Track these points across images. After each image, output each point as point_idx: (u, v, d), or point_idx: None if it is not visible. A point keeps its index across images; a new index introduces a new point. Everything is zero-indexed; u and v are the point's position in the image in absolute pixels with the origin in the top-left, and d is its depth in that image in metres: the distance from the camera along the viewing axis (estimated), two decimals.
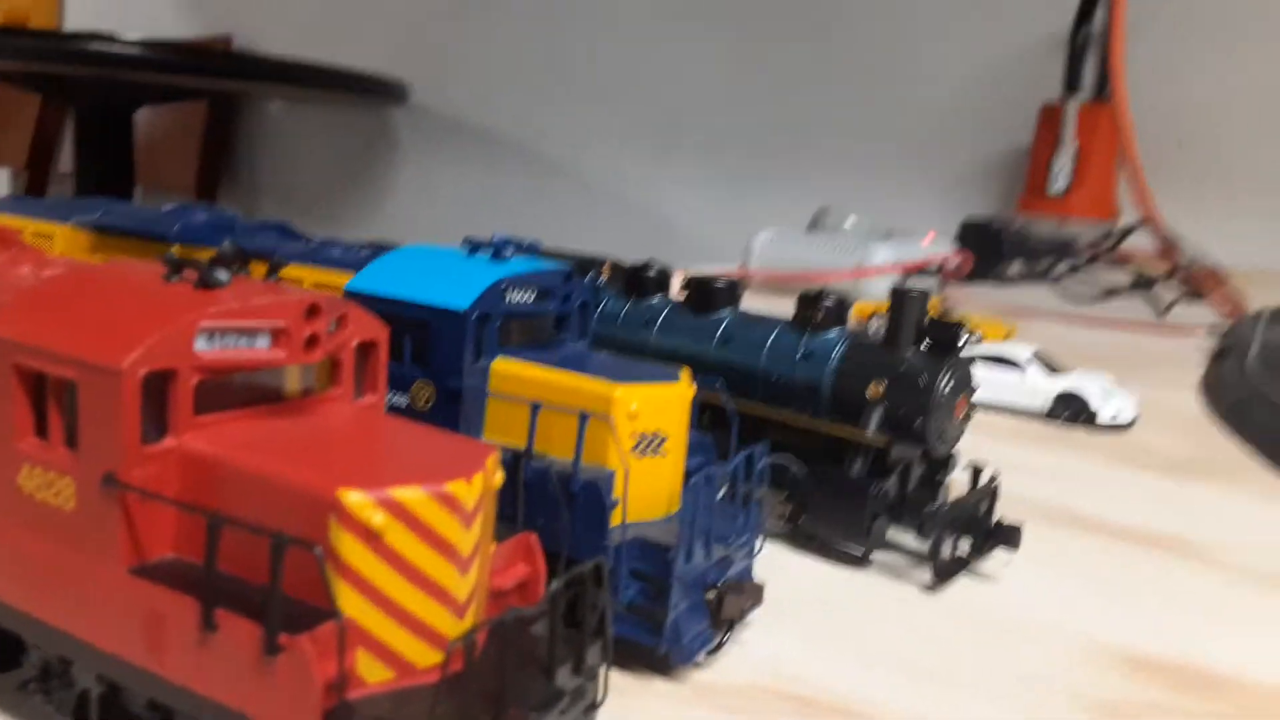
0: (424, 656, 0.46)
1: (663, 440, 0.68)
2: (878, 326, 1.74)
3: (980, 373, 0.94)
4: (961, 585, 0.83)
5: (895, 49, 3.55)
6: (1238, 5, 3.06)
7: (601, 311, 0.97)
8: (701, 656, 0.66)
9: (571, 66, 4.05)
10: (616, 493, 0.64)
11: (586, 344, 0.80)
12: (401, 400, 0.72)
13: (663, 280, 1.00)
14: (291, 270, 0.79)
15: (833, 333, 0.89)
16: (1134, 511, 1.03)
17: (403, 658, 0.46)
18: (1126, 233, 2.57)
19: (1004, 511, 0.87)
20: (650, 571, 0.64)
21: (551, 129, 4.14)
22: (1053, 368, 1.40)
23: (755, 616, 0.71)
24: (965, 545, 0.84)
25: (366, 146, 4.57)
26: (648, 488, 0.67)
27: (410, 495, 0.45)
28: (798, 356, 0.89)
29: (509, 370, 0.70)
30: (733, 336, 0.92)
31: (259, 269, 0.58)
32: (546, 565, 0.55)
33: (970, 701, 0.66)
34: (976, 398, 0.90)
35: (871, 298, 2.04)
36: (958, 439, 0.89)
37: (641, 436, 0.67)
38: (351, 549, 0.44)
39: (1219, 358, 1.75)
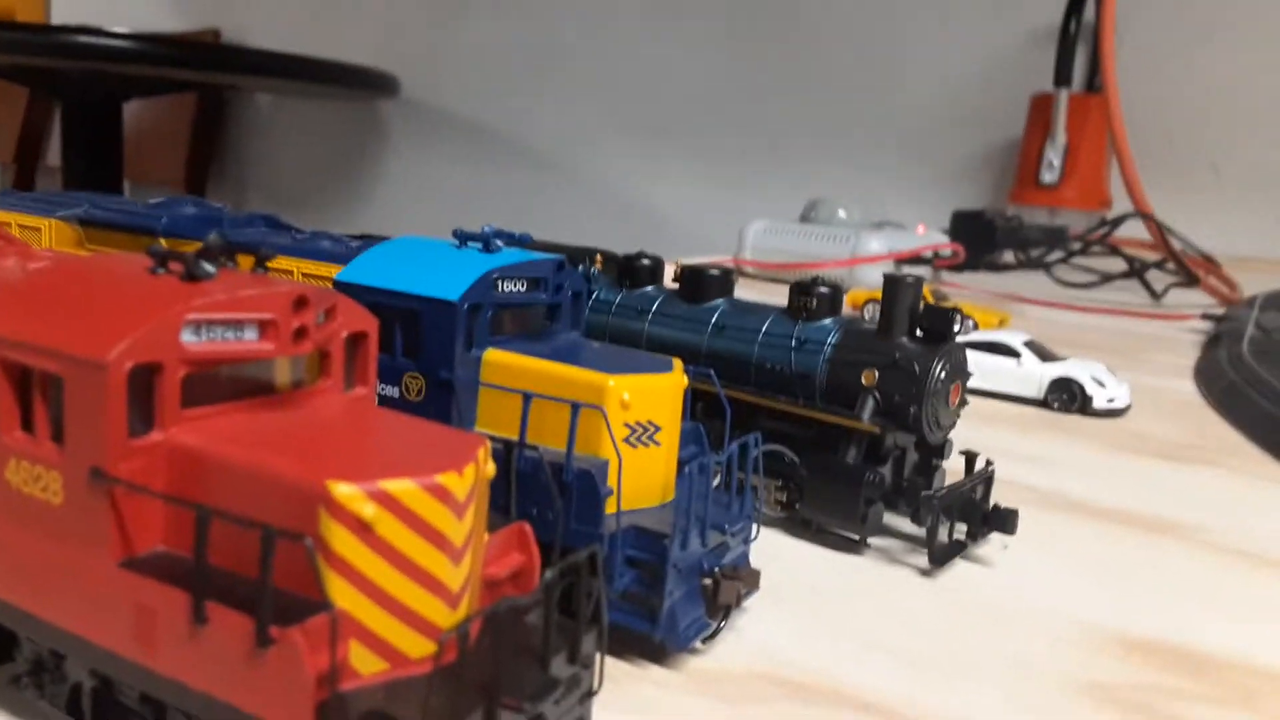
0: (417, 647, 0.46)
1: (656, 430, 0.68)
2: (871, 314, 1.74)
3: (975, 360, 0.94)
4: (957, 569, 0.83)
5: (886, 42, 3.55)
6: (1224, 1, 3.07)
7: (595, 301, 0.97)
8: (697, 643, 0.66)
9: (562, 60, 4.04)
10: (610, 482, 0.64)
11: (579, 334, 0.79)
12: (393, 392, 0.71)
13: (656, 270, 1.00)
14: (281, 262, 0.78)
15: (827, 321, 0.89)
16: (1128, 496, 1.04)
17: (396, 649, 0.45)
18: (1118, 221, 2.58)
19: (999, 497, 0.87)
20: (645, 559, 0.63)
21: (542, 122, 4.13)
22: (1047, 355, 1.40)
23: (751, 603, 0.71)
24: (961, 530, 0.84)
25: (356, 140, 4.55)
26: (641, 477, 0.67)
27: (401, 487, 0.45)
28: (792, 345, 0.88)
29: (501, 361, 0.70)
30: (726, 325, 0.92)
31: (246, 261, 0.57)
32: (540, 555, 0.54)
33: (965, 684, 0.66)
34: (971, 385, 0.90)
35: (864, 287, 2.04)
36: (952, 426, 0.89)
37: (634, 426, 0.67)
38: (343, 541, 0.44)
39: (1212, 343, 1.75)
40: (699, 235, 3.22)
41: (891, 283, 0.87)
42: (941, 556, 0.82)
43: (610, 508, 0.64)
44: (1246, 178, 3.10)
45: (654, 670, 0.64)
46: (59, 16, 4.54)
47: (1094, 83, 2.98)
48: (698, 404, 0.84)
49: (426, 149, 4.34)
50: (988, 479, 0.87)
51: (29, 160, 4.62)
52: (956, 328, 0.86)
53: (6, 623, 0.52)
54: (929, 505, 0.81)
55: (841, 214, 2.41)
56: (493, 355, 0.70)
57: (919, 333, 0.86)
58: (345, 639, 0.44)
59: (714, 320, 0.93)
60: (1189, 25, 3.11)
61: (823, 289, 0.89)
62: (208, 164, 4.75)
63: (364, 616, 0.45)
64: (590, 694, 0.52)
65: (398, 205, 4.40)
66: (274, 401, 0.53)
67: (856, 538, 0.85)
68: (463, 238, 0.75)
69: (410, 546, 0.45)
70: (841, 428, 0.85)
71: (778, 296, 0.95)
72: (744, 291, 0.97)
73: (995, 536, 0.87)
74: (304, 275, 0.76)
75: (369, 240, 0.81)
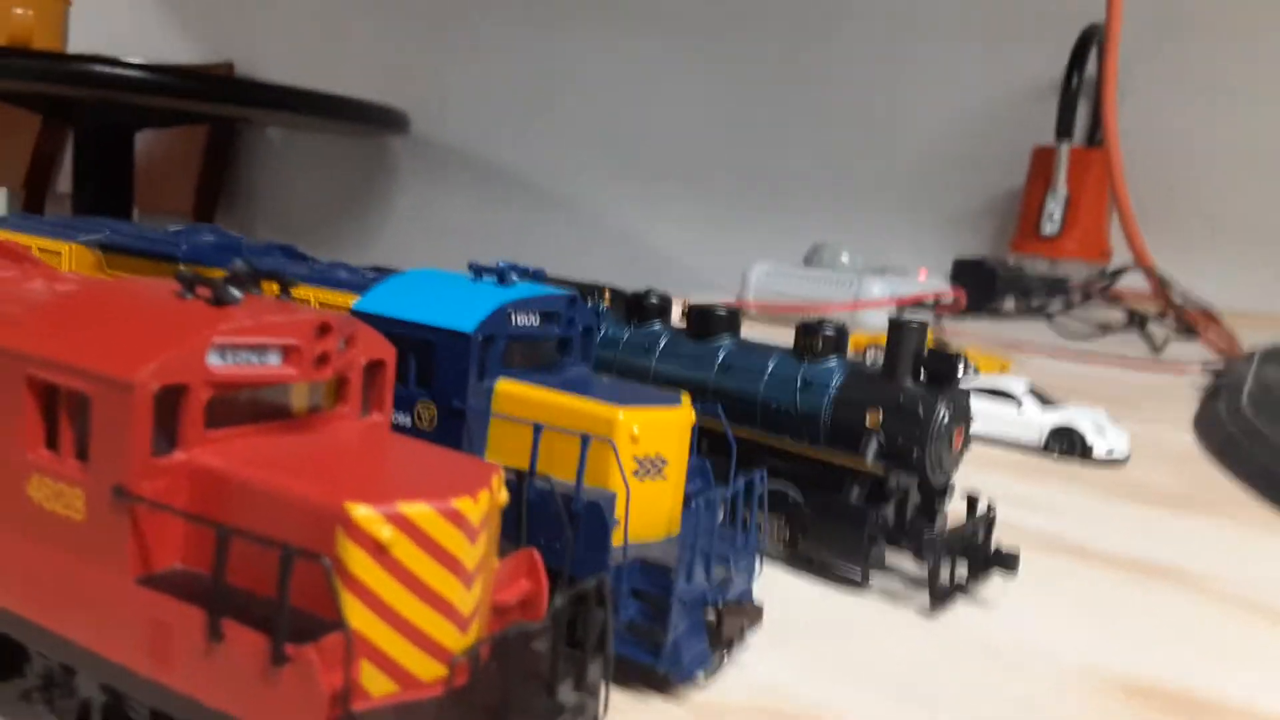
0: (428, 670, 0.46)
1: (663, 463, 0.69)
2: (874, 358, 1.75)
3: (976, 405, 0.95)
4: (959, 610, 0.83)
5: (890, 90, 3.60)
6: (1226, 56, 3.12)
7: (603, 337, 0.98)
8: (700, 676, 0.66)
9: (570, 99, 4.09)
10: (618, 514, 0.64)
11: (589, 368, 0.80)
12: (405, 420, 0.72)
13: (664, 307, 1.01)
14: (299, 290, 0.80)
15: (832, 362, 0.90)
16: (1129, 543, 1.04)
17: (407, 670, 0.46)
18: (1119, 273, 2.60)
19: (1000, 541, 0.88)
20: (651, 591, 0.64)
21: (549, 161, 4.18)
22: (1048, 402, 1.41)
23: (754, 637, 0.71)
24: (963, 571, 0.85)
25: (365, 175, 4.60)
26: (648, 510, 0.68)
27: (417, 510, 0.46)
28: (797, 384, 0.89)
29: (512, 391, 0.71)
30: (733, 364, 0.93)
31: (270, 288, 0.58)
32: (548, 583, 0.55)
33: None
34: (972, 430, 0.91)
35: (866, 330, 2.05)
36: (955, 469, 0.90)
37: (643, 459, 0.68)
38: (359, 562, 0.45)
39: (1212, 395, 1.76)
40: (702, 276, 3.24)
41: (897, 327, 0.88)
42: (943, 596, 0.83)
43: (617, 539, 0.64)
44: (1247, 233, 3.12)
45: (657, 701, 0.64)
46: (76, 45, 4.60)
47: (1095, 136, 3.02)
48: (703, 441, 0.85)
49: (435, 185, 4.38)
50: (989, 521, 0.88)
51: (39, 186, 4.66)
52: (960, 372, 0.87)
53: (19, 637, 0.53)
54: (931, 546, 0.82)
55: (845, 258, 2.44)
56: (504, 386, 0.71)
57: (923, 376, 0.87)
58: (358, 659, 0.44)
59: (720, 359, 0.94)
60: (1191, 81, 3.16)
61: (828, 330, 0.91)
62: (217, 195, 4.79)
63: (376, 637, 0.45)
64: None
65: (406, 239, 4.43)
66: (293, 425, 0.54)
67: (859, 577, 0.85)
68: (478, 270, 0.77)
69: (424, 569, 0.46)
70: (845, 467, 0.86)
71: (781, 338, 0.96)
72: (747, 333, 0.98)
73: (995, 579, 0.87)
74: (321, 303, 0.78)
75: (383, 272, 0.83)
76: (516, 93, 4.24)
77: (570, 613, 0.50)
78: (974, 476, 0.98)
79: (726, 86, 3.88)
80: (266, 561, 0.44)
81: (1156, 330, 2.42)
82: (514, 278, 0.76)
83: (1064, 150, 3.03)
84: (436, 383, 0.71)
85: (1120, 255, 2.82)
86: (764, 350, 0.94)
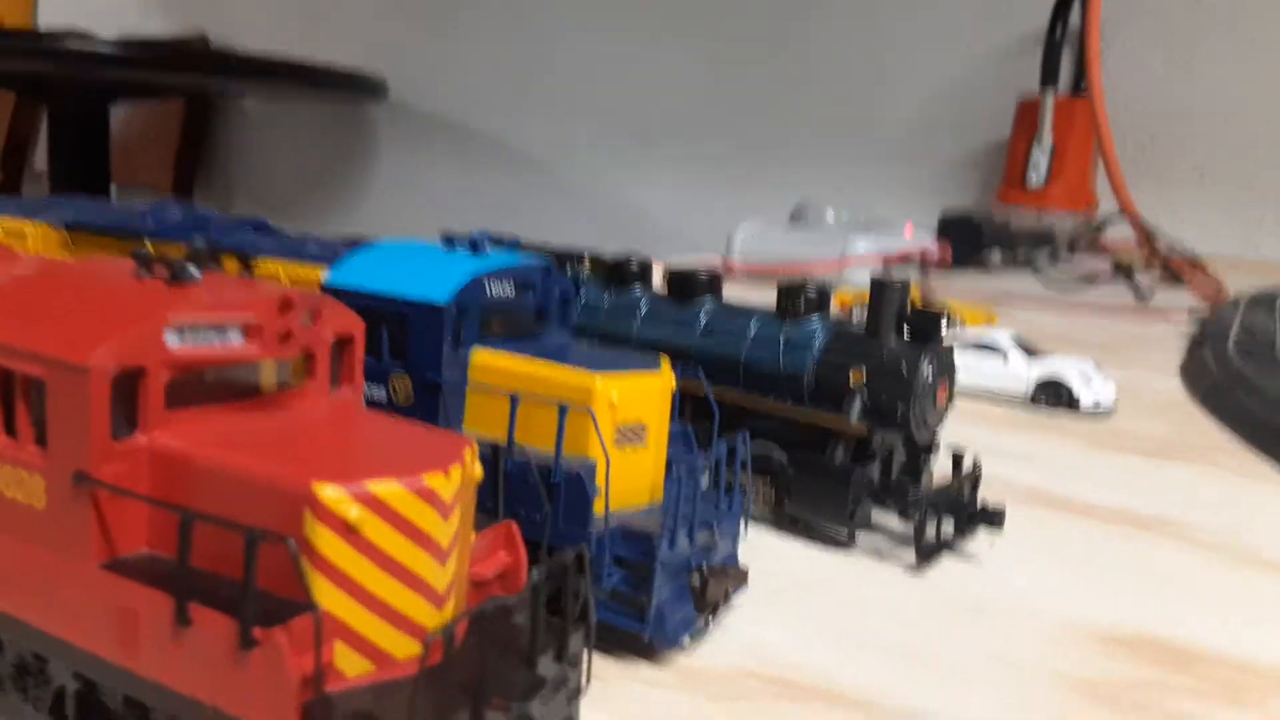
0: (403, 648, 0.46)
1: (644, 430, 0.68)
2: (859, 315, 1.74)
3: (962, 359, 0.94)
4: (945, 567, 0.83)
5: (873, 45, 3.56)
6: (1209, 6, 3.09)
7: (584, 304, 0.97)
8: (686, 641, 0.66)
9: (550, 63, 4.04)
10: (598, 483, 0.64)
11: (568, 336, 0.79)
12: (380, 394, 0.71)
13: (644, 272, 1.00)
14: (268, 265, 0.78)
15: (814, 321, 0.89)
16: (1115, 493, 1.04)
17: (381, 650, 0.45)
18: (1105, 223, 2.59)
19: (986, 496, 0.87)
20: (634, 558, 0.64)
21: (529, 125, 4.13)
22: (1034, 353, 1.41)
23: (739, 600, 0.71)
24: (948, 527, 0.85)
25: (344, 144, 4.55)
26: (630, 477, 0.67)
27: (386, 489, 0.45)
28: (780, 345, 0.89)
29: (488, 362, 0.70)
30: (714, 326, 0.92)
31: (232, 265, 0.57)
32: (527, 554, 0.54)
33: (953, 680, 0.66)
34: (958, 384, 0.91)
35: (854, 287, 2.04)
36: (940, 425, 0.89)
37: (622, 427, 0.67)
38: (327, 542, 0.44)
39: (1198, 343, 1.76)
40: (687, 237, 3.22)
41: (879, 284, 0.87)
42: (929, 554, 0.82)
43: (599, 508, 0.64)
44: (1231, 179, 3.12)
45: (642, 668, 0.64)
46: (45, 21, 4.52)
47: (1080, 86, 2.99)
48: (686, 405, 0.85)
49: (414, 152, 4.34)
50: (975, 477, 0.88)
51: (15, 165, 4.60)
52: (944, 328, 0.86)
53: None
54: (917, 503, 0.82)
55: (830, 215, 2.42)
56: (480, 356, 0.70)
57: (906, 333, 0.86)
58: (330, 641, 0.44)
59: (702, 321, 0.93)
60: (1174, 29, 3.13)
61: (810, 290, 0.90)
62: (195, 168, 4.73)
63: (349, 618, 0.45)
64: (578, 693, 0.52)
65: (386, 208, 4.39)
66: (259, 404, 0.53)
67: (844, 536, 0.85)
68: (451, 240, 0.75)
69: (396, 548, 0.45)
70: (829, 428, 0.85)
71: (767, 298, 0.95)
72: (733, 293, 0.97)
73: (981, 534, 0.87)
74: (291, 278, 0.76)
75: (356, 244, 0.81)
76: (496, 57, 4.18)
77: (551, 585, 0.49)
78: (960, 431, 0.97)
79: (709, 46, 3.83)
80: (234, 544, 0.43)
81: (1142, 279, 2.42)
82: (488, 247, 0.74)
83: (1049, 100, 3.01)
84: (411, 356, 0.70)
85: (1106, 205, 2.81)
86: (746, 312, 0.93)
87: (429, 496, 0.46)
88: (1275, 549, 0.92)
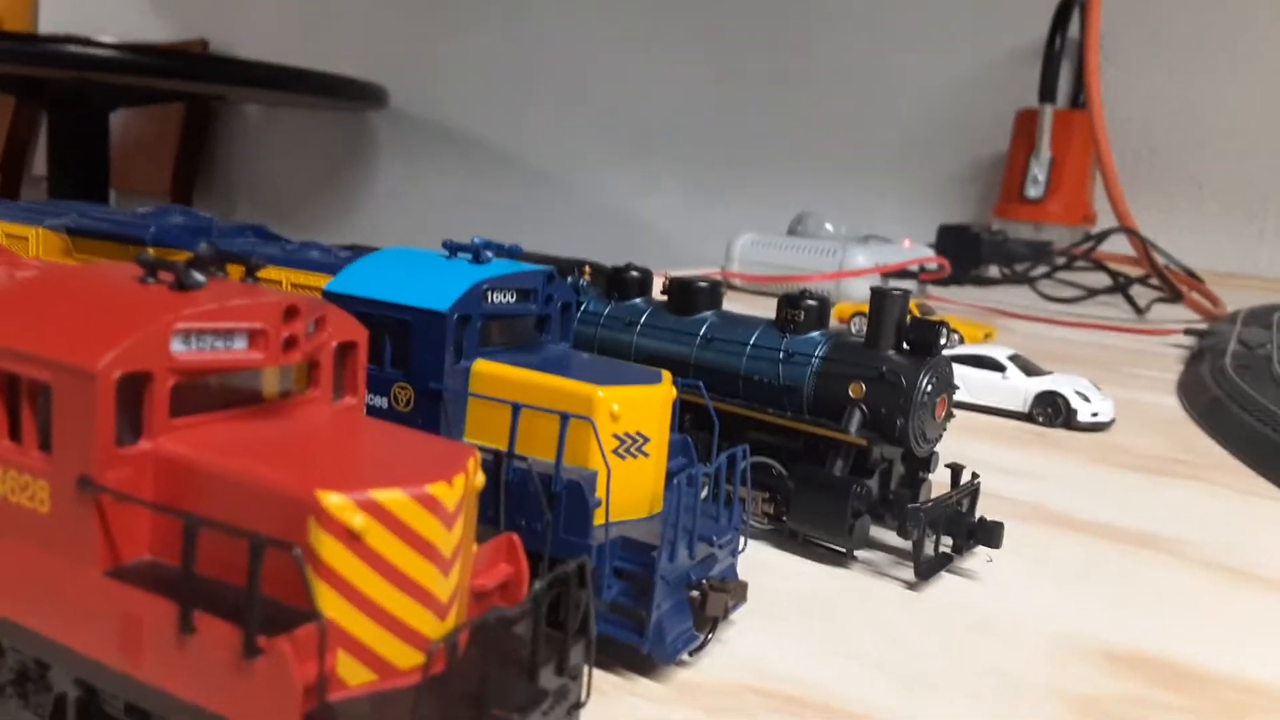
0: (406, 658, 0.45)
1: (645, 441, 0.68)
2: (859, 328, 1.75)
3: (960, 373, 0.95)
4: (943, 582, 0.83)
5: (873, 57, 3.58)
6: (1209, 18, 3.11)
7: (583, 313, 0.97)
8: (685, 655, 0.66)
9: (550, 72, 4.05)
10: (599, 493, 0.64)
11: (568, 346, 0.79)
12: (381, 402, 0.71)
13: (644, 282, 1.00)
14: (270, 272, 0.78)
15: (814, 333, 0.89)
16: (1112, 510, 1.04)
17: (384, 659, 0.45)
18: (1102, 237, 2.60)
19: (984, 511, 0.88)
20: (633, 570, 0.63)
21: (530, 134, 4.14)
22: (1032, 369, 1.41)
23: (739, 615, 0.71)
24: (947, 543, 0.85)
25: (344, 151, 4.55)
26: (630, 488, 0.67)
27: (390, 497, 0.45)
28: (780, 357, 0.89)
29: (490, 372, 0.70)
30: (715, 337, 0.92)
31: (236, 271, 0.57)
32: (529, 566, 0.54)
33: (951, 696, 0.66)
34: (956, 398, 0.91)
35: (851, 300, 2.05)
36: (938, 439, 0.90)
37: (623, 437, 0.67)
38: (331, 551, 0.44)
39: (1195, 359, 1.77)
40: (686, 247, 3.23)
41: (879, 296, 0.87)
42: (927, 569, 0.82)
43: (599, 519, 0.64)
44: (1229, 195, 3.13)
45: (641, 682, 0.64)
46: (46, 26, 4.52)
47: (1078, 99, 3.01)
48: (686, 416, 0.85)
49: (414, 160, 4.34)
50: (973, 492, 0.88)
51: (14, 169, 4.60)
52: (943, 341, 0.87)
53: None
54: (915, 518, 0.82)
55: (828, 227, 2.43)
56: (481, 366, 0.70)
57: (906, 346, 0.86)
58: (333, 649, 0.44)
59: (702, 332, 0.93)
60: (1173, 43, 3.15)
61: (810, 301, 0.90)
62: (194, 174, 4.74)
63: (352, 627, 0.44)
64: (578, 705, 0.52)
65: (386, 216, 4.40)
66: (263, 411, 0.53)
67: (843, 550, 0.85)
68: (452, 249, 0.75)
69: (399, 557, 0.45)
70: (829, 440, 0.85)
71: (765, 309, 0.95)
72: (732, 304, 0.97)
73: (980, 549, 0.87)
74: (293, 285, 0.76)
75: (358, 251, 0.81)
76: (496, 66, 4.19)
77: (552, 595, 0.49)
78: (959, 445, 0.98)
79: (711, 59, 3.85)
80: (238, 552, 0.43)
81: (1140, 293, 2.43)
82: (489, 255, 0.74)
83: (1047, 113, 3.02)
84: (412, 364, 0.70)
85: (1105, 219, 2.82)
86: (746, 323, 0.93)
87: (433, 505, 0.46)
88: (1273, 567, 0.93)
